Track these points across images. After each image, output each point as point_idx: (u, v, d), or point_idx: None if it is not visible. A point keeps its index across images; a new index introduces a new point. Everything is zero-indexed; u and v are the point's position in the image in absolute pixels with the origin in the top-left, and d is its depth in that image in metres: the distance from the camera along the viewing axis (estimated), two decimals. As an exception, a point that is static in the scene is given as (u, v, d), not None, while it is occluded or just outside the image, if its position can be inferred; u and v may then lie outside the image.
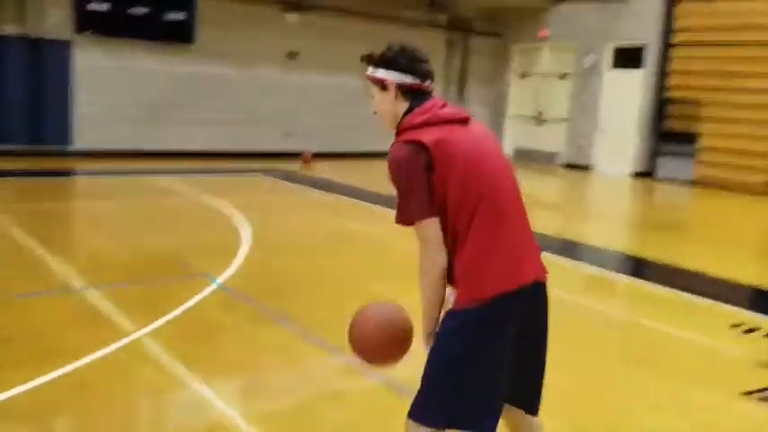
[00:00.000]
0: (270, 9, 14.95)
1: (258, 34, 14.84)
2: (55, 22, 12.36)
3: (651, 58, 15.33)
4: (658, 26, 15.15)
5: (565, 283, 5.97)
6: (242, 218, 7.97)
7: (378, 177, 13.19)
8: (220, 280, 5.48)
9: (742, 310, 5.64)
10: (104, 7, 12.65)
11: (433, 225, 2.10)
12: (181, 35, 13.61)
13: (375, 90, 2.32)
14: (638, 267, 7.47)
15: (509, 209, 2.21)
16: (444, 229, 2.14)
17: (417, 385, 2.20)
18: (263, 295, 5.23)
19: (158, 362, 3.91)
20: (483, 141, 2.25)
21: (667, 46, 15.05)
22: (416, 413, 2.17)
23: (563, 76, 17.19)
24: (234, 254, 6.32)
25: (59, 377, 3.58)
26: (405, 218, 2.15)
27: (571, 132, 16.99)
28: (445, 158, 2.11)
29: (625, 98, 15.72)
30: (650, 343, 4.88)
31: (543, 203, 11.64)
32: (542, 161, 17.25)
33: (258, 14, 14.76)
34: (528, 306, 2.20)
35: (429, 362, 2.18)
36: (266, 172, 12.47)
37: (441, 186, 2.12)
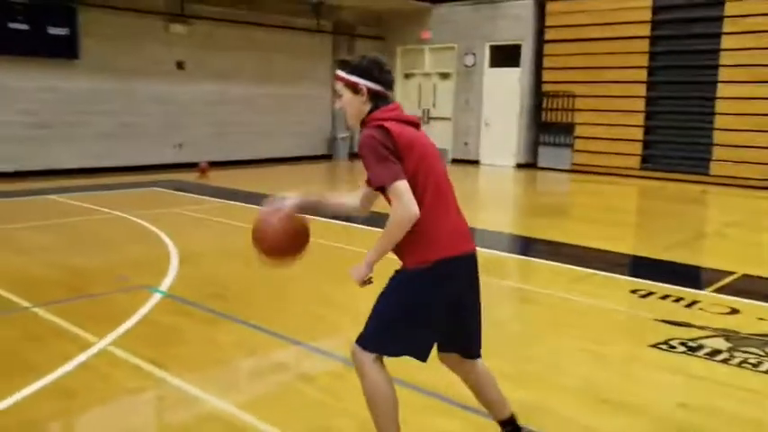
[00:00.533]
0: (154, 21, 14.81)
1: (144, 46, 14.67)
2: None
3: (527, 55, 16.50)
4: (532, 25, 16.33)
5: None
6: (157, 230, 8.06)
7: (282, 180, 13.53)
8: (163, 289, 5.65)
9: (635, 279, 6.45)
10: (-18, 24, 12.14)
11: (405, 183, 2.56)
12: (65, 50, 13.25)
13: (346, 91, 2.77)
14: (532, 247, 8.28)
15: (450, 197, 2.77)
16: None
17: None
18: (207, 300, 5.44)
19: (132, 366, 4.09)
20: (430, 143, 2.79)
21: (541, 43, 16.27)
22: (365, 342, 2.71)
23: (445, 76, 18.11)
24: (165, 264, 6.46)
25: (40, 389, 3.71)
26: (380, 181, 2.57)
27: (456, 129, 17.94)
28: (405, 148, 2.62)
29: (505, 94, 16.84)
30: (566, 310, 5.54)
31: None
32: (432, 158, 18.09)
33: (142, 27, 14.59)
34: (466, 271, 2.78)
35: (381, 304, 2.72)
36: (162, 184, 12.43)
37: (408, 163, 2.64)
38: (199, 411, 3.60)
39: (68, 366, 3.99)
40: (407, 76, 19.07)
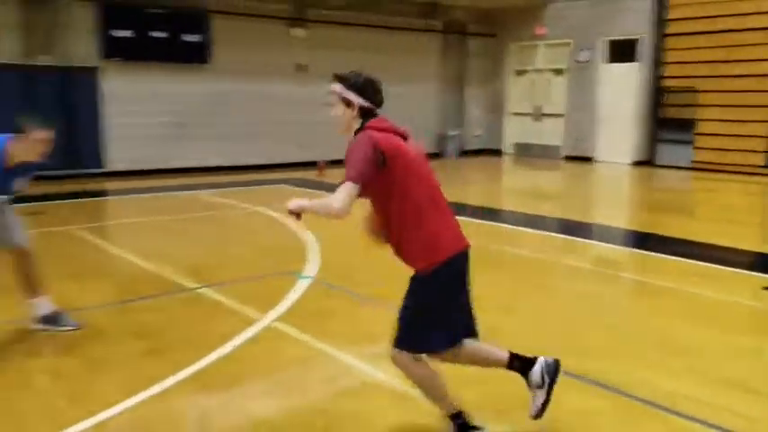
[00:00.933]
0: (276, 26, 15.60)
1: (267, 50, 15.48)
2: (81, 50, 12.93)
3: (645, 49, 16.16)
4: (651, 19, 15.98)
5: (600, 262, 6.67)
6: (292, 222, 8.63)
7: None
8: (309, 274, 6.14)
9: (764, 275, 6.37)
10: (127, 33, 13.24)
11: (356, 189, 2.82)
12: (197, 56, 14.23)
13: (339, 104, 3.05)
14: (655, 243, 8.15)
15: (441, 201, 3.05)
16: (388, 213, 2.97)
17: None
18: (349, 284, 5.88)
19: (295, 339, 4.54)
20: (418, 152, 3.08)
21: (661, 37, 15.89)
22: (400, 344, 3.03)
23: (559, 72, 18.00)
24: (306, 253, 6.96)
25: (219, 358, 4.21)
26: (347, 174, 2.84)
27: (570, 126, 17.79)
28: (391, 157, 2.90)
29: (621, 90, 16.55)
30: (700, 304, 5.58)
31: (548, 194, 12.36)
32: (543, 155, 18.05)
33: (266, 32, 15.39)
34: (465, 264, 3.07)
35: (406, 308, 3.02)
36: (286, 181, 13.14)
37: (389, 177, 2.90)
38: (363, 380, 3.99)
39: (239, 339, 4.48)
40: (519, 72, 19.07)
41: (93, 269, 6.48)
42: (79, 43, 12.91)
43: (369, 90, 3.06)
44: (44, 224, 8.29)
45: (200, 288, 5.72)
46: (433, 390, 3.08)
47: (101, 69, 13.18)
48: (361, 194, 2.88)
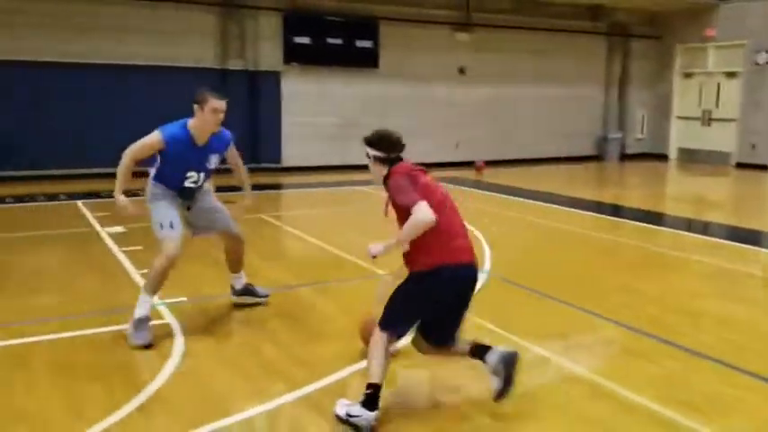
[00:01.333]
0: (442, 30, 16.14)
1: (431, 54, 16.07)
2: (267, 55, 14.17)
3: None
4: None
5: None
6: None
7: (561, 180, 14.02)
8: (487, 269, 6.55)
9: None
10: (306, 40, 14.34)
11: (424, 202, 3.43)
12: (368, 60, 15.09)
13: (368, 159, 3.72)
14: None
15: (454, 219, 3.63)
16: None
17: None
18: (526, 281, 6.21)
19: (483, 328, 4.94)
20: (432, 181, 3.68)
21: None
22: (384, 324, 3.56)
23: (732, 75, 17.19)
24: (481, 249, 7.38)
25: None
26: (409, 203, 3.45)
27: (742, 131, 16.94)
28: (413, 185, 3.53)
29: (804, 93, 15.56)
30: None
31: (717, 203, 11.89)
32: (710, 161, 17.31)
33: (431, 37, 15.98)
34: (463, 278, 3.61)
35: (395, 297, 3.59)
36: (444, 180, 13.60)
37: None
38: (557, 373, 4.28)
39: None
40: (687, 75, 18.40)
41: (291, 252, 7.28)
42: (265, 49, 14.15)
43: (384, 144, 3.71)
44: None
45: (388, 275, 6.28)
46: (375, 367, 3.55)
47: (282, 73, 14.37)
48: (394, 208, 3.61)
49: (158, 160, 4.72)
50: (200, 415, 3.53)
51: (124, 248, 7.14)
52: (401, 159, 3.72)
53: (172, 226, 4.70)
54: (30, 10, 12.20)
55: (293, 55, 14.32)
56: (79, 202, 10.10)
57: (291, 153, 14.71)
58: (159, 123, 4.78)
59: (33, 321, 4.98)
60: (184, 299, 5.48)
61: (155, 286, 4.66)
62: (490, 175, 14.66)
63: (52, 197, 10.63)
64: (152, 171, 4.81)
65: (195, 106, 4.68)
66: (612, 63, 18.73)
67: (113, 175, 4.71)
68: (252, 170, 13.68)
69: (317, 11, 14.54)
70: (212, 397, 3.80)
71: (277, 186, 12.85)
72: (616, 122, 18.98)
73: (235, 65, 13.87)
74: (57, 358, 4.32)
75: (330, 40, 14.63)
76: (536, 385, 4.03)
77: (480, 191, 12.27)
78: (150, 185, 4.81)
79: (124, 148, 4.70)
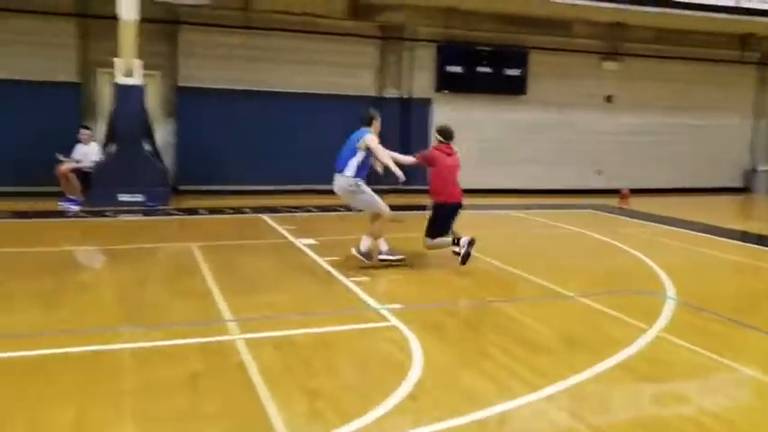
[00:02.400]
0: (589, 59, 16.35)
1: (578, 82, 16.29)
2: (422, 83, 14.92)
3: None
4: None
5: None
6: (620, 245, 9.31)
7: (711, 211, 13.79)
8: (670, 295, 6.76)
9: None
10: (458, 69, 14.97)
11: (412, 158, 7.99)
12: (515, 88, 15.52)
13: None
14: None
15: (453, 177, 7.85)
16: (432, 175, 7.81)
17: None
18: (714, 307, 6.37)
19: (689, 349, 5.19)
20: (451, 158, 7.81)
21: None
22: (429, 235, 7.74)
23: None
24: (652, 274, 7.58)
25: (627, 357, 5.02)
26: (420, 157, 7.95)
27: None
28: (436, 158, 7.80)
29: None
30: None
31: None
32: None
33: (578, 65, 16.23)
34: (455, 207, 7.80)
35: (431, 221, 7.80)
36: (592, 206, 13.73)
37: (435, 166, 7.78)
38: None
39: (637, 345, 5.24)
40: None
41: (476, 272, 7.74)
42: (420, 78, 14.90)
43: (443, 133, 7.92)
44: (401, 230, 9.81)
45: (576, 297, 6.63)
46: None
47: (433, 100, 15.05)
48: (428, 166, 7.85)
49: (364, 159, 7.37)
50: (459, 406, 4.01)
51: (326, 258, 7.88)
52: (447, 144, 7.83)
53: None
54: (247, 45, 13.80)
55: (445, 83, 14.99)
56: (265, 216, 11.11)
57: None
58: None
59: (270, 318, 5.68)
60: (401, 306, 6.06)
61: (378, 234, 7.50)
62: (636, 204, 14.63)
63: (238, 210, 11.71)
64: (352, 170, 7.30)
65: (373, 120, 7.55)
66: (763, 93, 18.21)
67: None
68: (403, 192, 14.46)
69: (469, 42, 15.15)
70: (466, 391, 4.27)
71: (416, 207, 13.38)
72: (765, 154, 18.39)
73: (390, 93, 14.69)
74: (328, 352, 4.92)
75: (480, 69, 15.19)
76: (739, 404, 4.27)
77: (626, 218, 12.35)
78: (356, 179, 7.32)
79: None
